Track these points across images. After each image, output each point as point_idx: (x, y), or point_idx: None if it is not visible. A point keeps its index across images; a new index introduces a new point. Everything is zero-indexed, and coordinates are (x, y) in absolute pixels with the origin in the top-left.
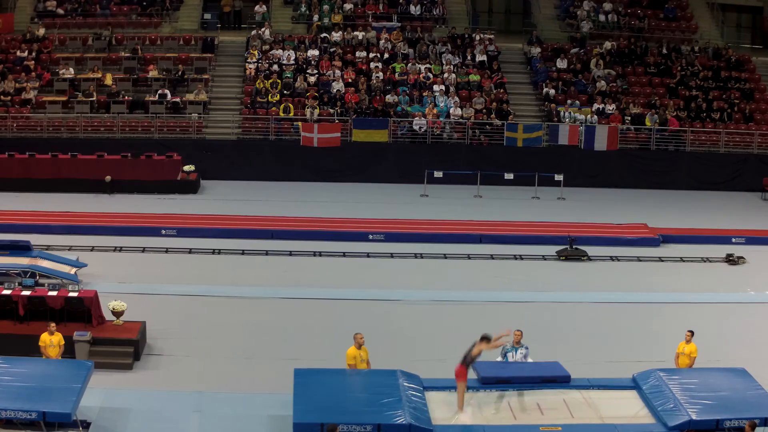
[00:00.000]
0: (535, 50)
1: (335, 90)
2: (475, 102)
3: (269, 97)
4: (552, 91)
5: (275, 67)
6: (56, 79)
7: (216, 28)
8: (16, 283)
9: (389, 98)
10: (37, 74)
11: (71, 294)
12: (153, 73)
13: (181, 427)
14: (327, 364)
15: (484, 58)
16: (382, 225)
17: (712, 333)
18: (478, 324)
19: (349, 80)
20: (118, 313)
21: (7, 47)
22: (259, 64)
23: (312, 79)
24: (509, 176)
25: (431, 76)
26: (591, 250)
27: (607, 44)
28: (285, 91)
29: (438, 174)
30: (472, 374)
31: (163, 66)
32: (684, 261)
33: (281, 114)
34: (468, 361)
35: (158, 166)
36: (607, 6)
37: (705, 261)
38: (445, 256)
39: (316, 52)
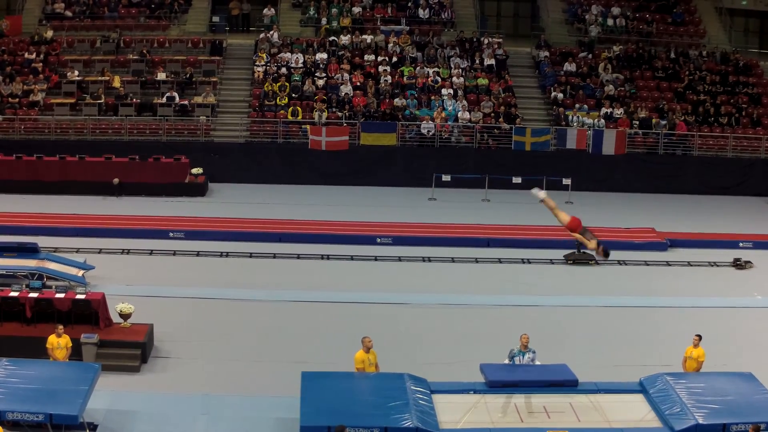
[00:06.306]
0: (543, 54)
1: (343, 93)
2: (483, 106)
3: (277, 100)
4: (560, 95)
5: (283, 70)
6: (64, 81)
7: (224, 31)
8: (24, 285)
9: (397, 102)
10: (45, 76)
11: (79, 296)
12: (161, 76)
13: (188, 430)
14: (334, 367)
15: (493, 61)
16: (390, 228)
17: (719, 337)
18: (486, 327)
19: (358, 83)
20: (125, 316)
21: (15, 49)
22: (268, 67)
23: (320, 83)
24: (517, 180)
25: (439, 79)
26: None
27: (615, 48)
28: (293, 95)
29: (446, 178)
30: (479, 377)
31: (171, 68)
32: (691, 265)
33: (289, 117)
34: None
35: (166, 169)
36: (616, 10)
37: (712, 265)
38: (452, 260)
39: (324, 56)
